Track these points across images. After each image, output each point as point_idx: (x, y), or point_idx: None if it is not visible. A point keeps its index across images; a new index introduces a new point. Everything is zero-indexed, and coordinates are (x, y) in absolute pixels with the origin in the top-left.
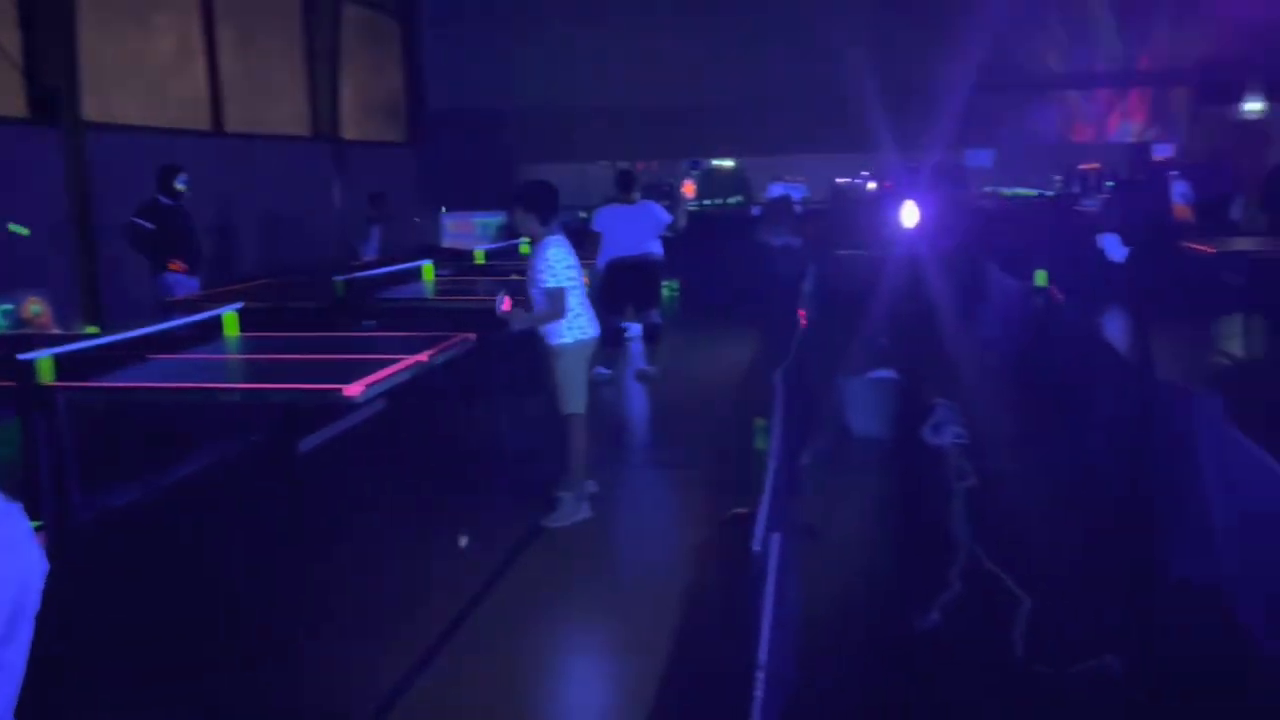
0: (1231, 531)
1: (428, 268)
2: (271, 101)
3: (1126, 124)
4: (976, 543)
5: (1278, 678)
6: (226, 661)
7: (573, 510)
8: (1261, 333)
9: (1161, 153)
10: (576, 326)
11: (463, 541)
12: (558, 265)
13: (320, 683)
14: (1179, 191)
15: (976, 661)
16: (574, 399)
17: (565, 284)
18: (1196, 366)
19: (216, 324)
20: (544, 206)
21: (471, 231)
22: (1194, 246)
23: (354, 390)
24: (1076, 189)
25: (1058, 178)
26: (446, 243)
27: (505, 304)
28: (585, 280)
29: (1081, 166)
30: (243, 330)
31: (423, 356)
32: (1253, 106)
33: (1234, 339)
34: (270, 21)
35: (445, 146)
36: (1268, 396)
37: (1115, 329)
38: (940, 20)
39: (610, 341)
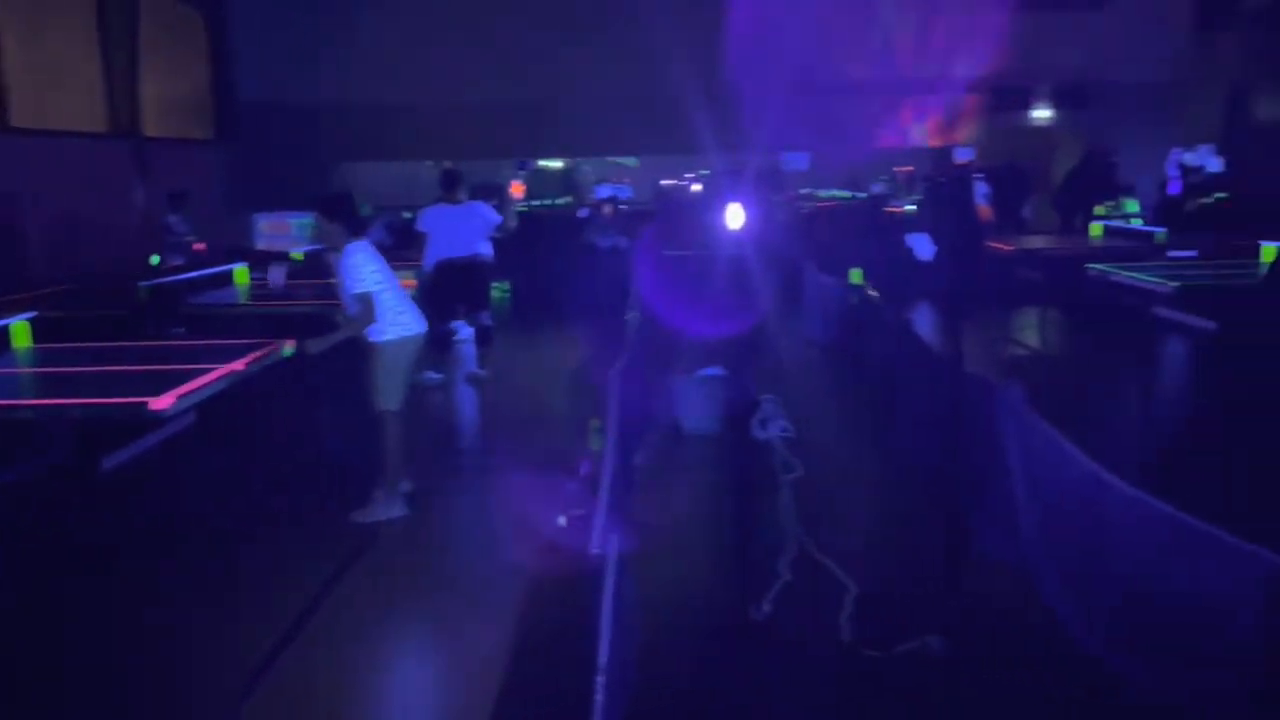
0: (1033, 513)
1: (241, 271)
2: (64, 95)
3: (930, 129)
4: (805, 533)
5: (1076, 651)
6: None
7: (385, 507)
8: (1055, 324)
9: (963, 156)
10: (398, 323)
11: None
12: (363, 270)
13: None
14: (980, 193)
15: (808, 648)
16: (389, 396)
17: (373, 288)
18: (999, 357)
19: (4, 335)
20: (346, 216)
21: (287, 232)
22: (994, 245)
23: (162, 403)
24: (882, 190)
25: (884, 178)
26: (260, 244)
27: (278, 277)
28: (411, 282)
29: (898, 169)
30: (35, 341)
31: (238, 365)
32: (1039, 114)
33: (1031, 330)
34: (61, 8)
35: (258, 144)
36: (1062, 383)
37: (925, 323)
38: (757, 25)
39: (440, 345)
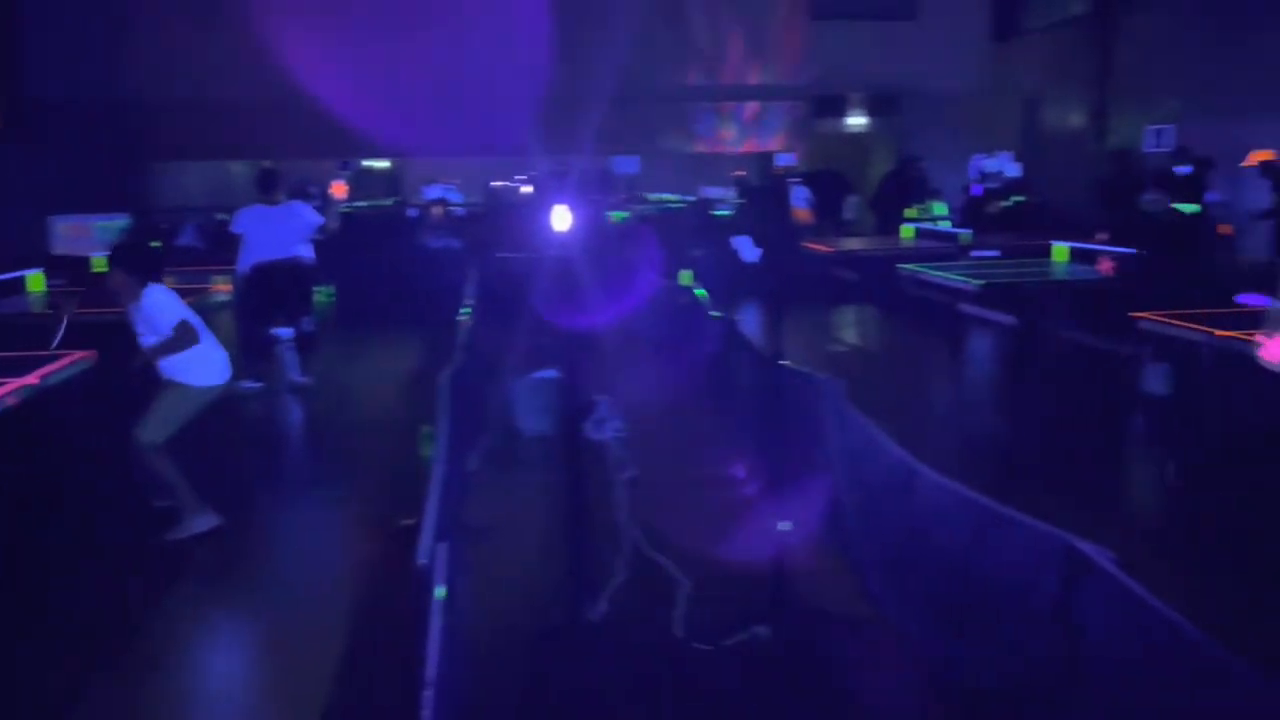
0: (853, 501)
1: (35, 278)
2: None
3: (757, 135)
4: (639, 531)
5: (896, 633)
6: None
7: (196, 520)
8: (872, 321)
9: (785, 161)
10: (205, 367)
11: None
12: (170, 302)
13: None
14: (800, 196)
15: (643, 644)
16: (156, 430)
17: (189, 316)
18: (820, 353)
19: None
20: (140, 265)
21: (89, 236)
22: (813, 246)
23: None
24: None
25: (736, 176)
26: (58, 249)
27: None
28: (225, 287)
29: (735, 174)
30: None
31: (31, 379)
32: (855, 121)
33: (850, 328)
34: None
35: (55, 142)
36: (878, 376)
37: (751, 322)
38: (583, 30)
39: (259, 352)
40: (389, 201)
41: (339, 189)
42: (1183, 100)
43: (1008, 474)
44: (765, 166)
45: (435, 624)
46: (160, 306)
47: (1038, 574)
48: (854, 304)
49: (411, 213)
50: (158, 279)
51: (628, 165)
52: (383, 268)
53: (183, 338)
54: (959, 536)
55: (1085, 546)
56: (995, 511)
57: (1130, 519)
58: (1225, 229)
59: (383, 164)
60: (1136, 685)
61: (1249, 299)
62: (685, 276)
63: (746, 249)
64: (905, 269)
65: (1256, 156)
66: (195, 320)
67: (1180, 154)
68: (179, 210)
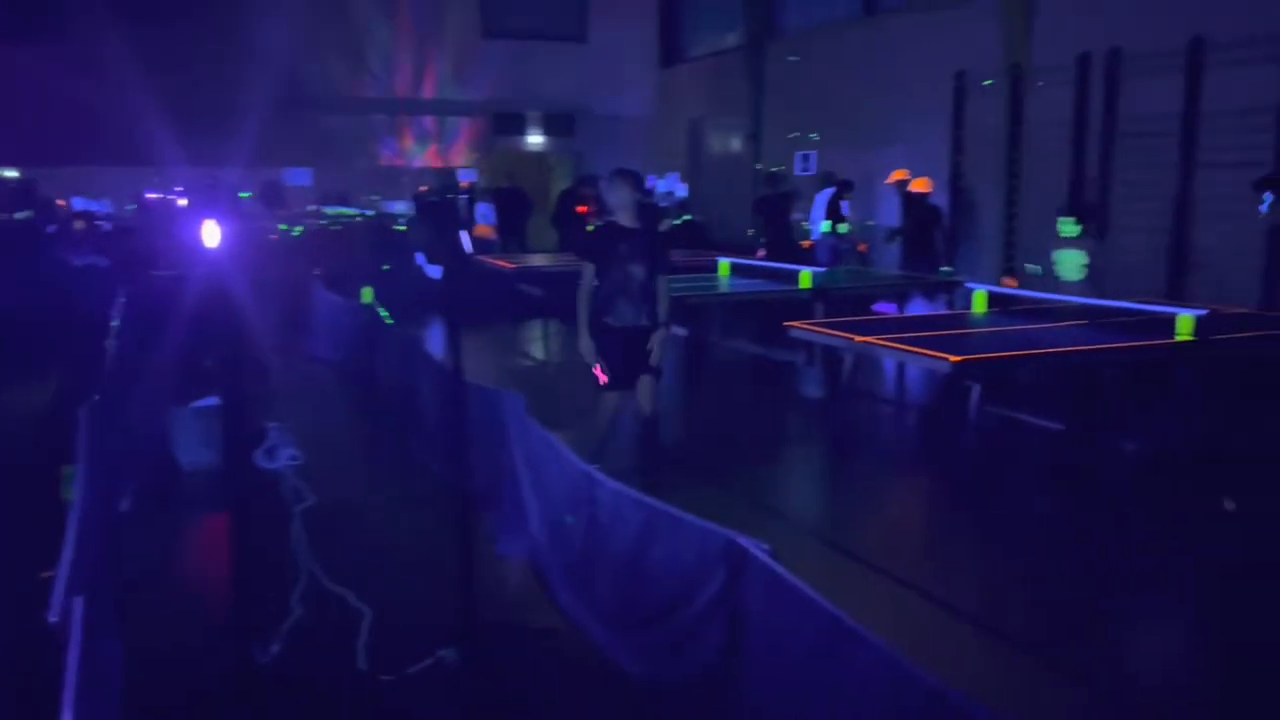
0: (538, 512)
1: None
2: None
3: (439, 150)
4: (317, 563)
5: (582, 639)
6: None
7: None
8: (557, 336)
9: (466, 177)
10: None
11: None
12: None
13: None
14: (481, 212)
15: (323, 681)
16: None
17: None
18: (506, 367)
19: None
20: None
21: None
22: (496, 262)
23: None
24: (400, 209)
25: (419, 191)
26: None
27: None
28: None
29: (419, 189)
30: None
31: None
32: (535, 139)
33: (535, 342)
34: None
35: None
36: (564, 389)
37: (434, 339)
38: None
39: None
40: (22, 215)
41: None
42: (823, 128)
43: (683, 475)
44: (448, 181)
45: (70, 686)
46: None
47: (705, 570)
48: (540, 319)
49: (50, 228)
50: None
51: (300, 177)
52: (13, 286)
53: None
54: (635, 540)
55: (744, 541)
56: (666, 513)
57: (791, 512)
58: (862, 247)
59: (10, 173)
60: (795, 670)
61: (883, 307)
62: (367, 294)
63: (430, 265)
64: None
65: (895, 176)
66: None
67: (825, 178)
68: None
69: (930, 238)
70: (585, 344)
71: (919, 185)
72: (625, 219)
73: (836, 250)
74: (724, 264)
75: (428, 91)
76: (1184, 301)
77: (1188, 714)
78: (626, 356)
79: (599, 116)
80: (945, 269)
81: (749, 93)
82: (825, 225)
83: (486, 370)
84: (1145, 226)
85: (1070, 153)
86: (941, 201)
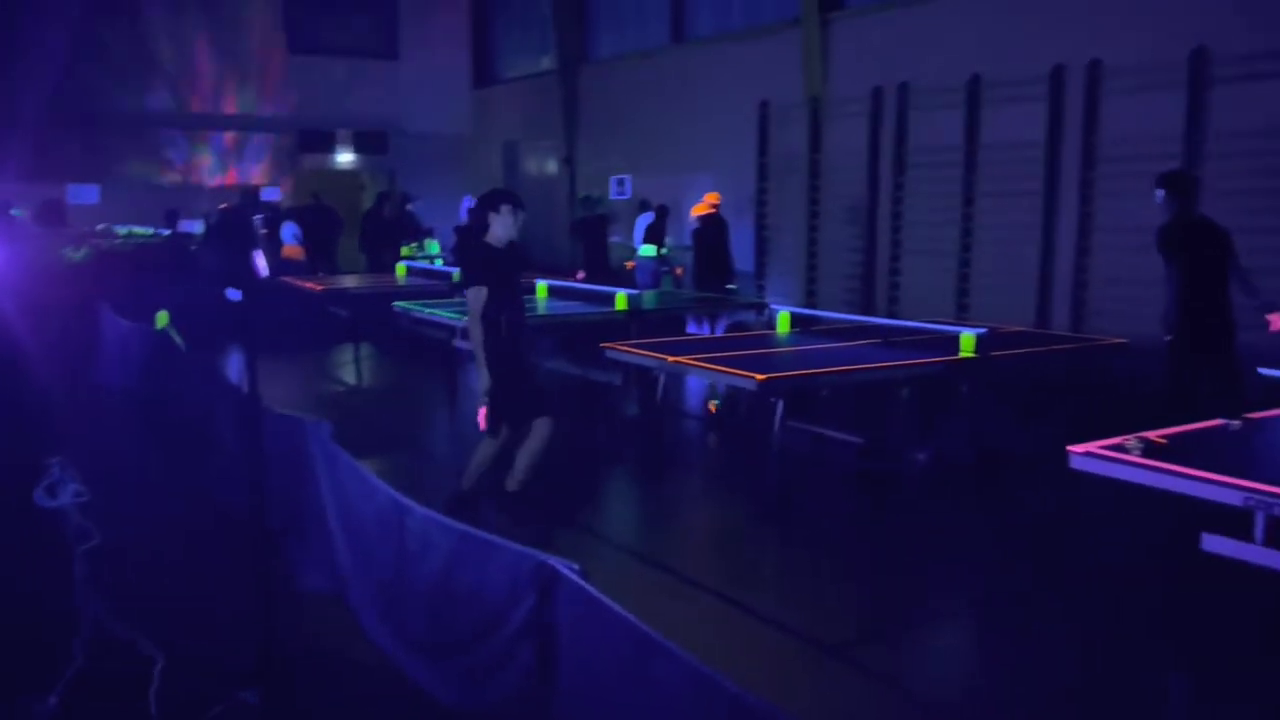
0: (348, 542)
1: None
2: None
3: (238, 167)
4: (103, 607)
5: (394, 674)
6: None
7: None
8: (369, 360)
9: (271, 196)
10: None
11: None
12: None
13: None
14: (290, 233)
15: None
16: None
17: None
18: (315, 393)
19: None
20: None
21: None
22: (304, 284)
23: None
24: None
25: (221, 209)
26: None
27: None
28: None
29: (221, 206)
30: None
31: None
32: (344, 157)
33: (346, 367)
34: None
35: None
36: (375, 414)
37: (232, 365)
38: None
39: None
40: None
41: None
42: (637, 154)
43: (499, 499)
44: (248, 200)
45: None
46: None
47: (516, 593)
48: (350, 343)
49: None
50: None
51: (85, 195)
52: None
53: None
54: (445, 566)
55: (554, 562)
56: (475, 537)
57: (605, 531)
58: (679, 270)
59: None
60: (606, 688)
61: (695, 329)
62: (162, 318)
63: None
64: (399, 306)
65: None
66: None
67: (643, 204)
68: None
69: (720, 256)
70: (486, 379)
71: (701, 209)
72: (500, 243)
73: (656, 273)
74: (541, 286)
75: (229, 107)
76: (969, 320)
77: (988, 707)
78: (531, 391)
79: (413, 135)
80: (730, 286)
81: (563, 117)
82: (648, 249)
83: (292, 397)
84: (933, 250)
85: (866, 180)
86: (748, 226)
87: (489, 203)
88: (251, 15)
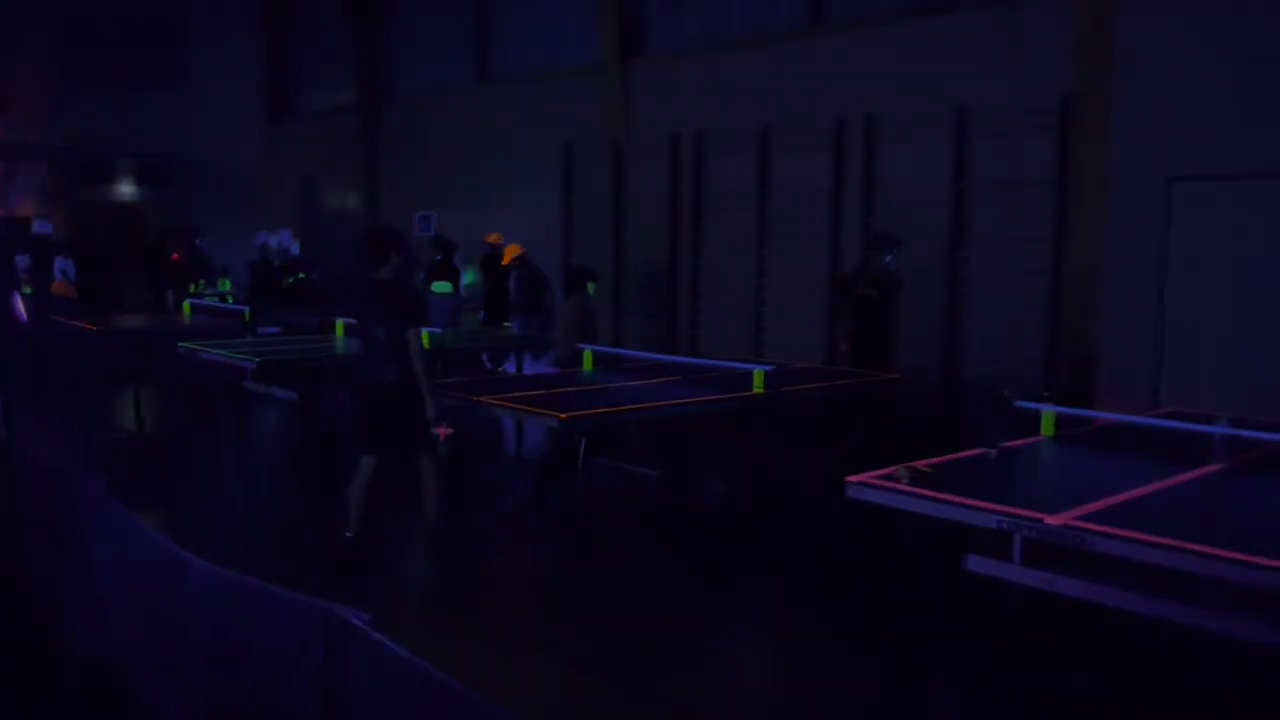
0: (125, 603)
1: None
2: None
3: (4, 199)
4: None
5: None
6: None
7: None
8: (151, 403)
9: (42, 229)
10: None
11: None
12: None
13: None
14: (59, 268)
15: None
16: None
17: None
18: (89, 444)
19: None
20: None
21: None
22: (77, 324)
23: None
24: None
25: None
26: None
27: None
28: None
29: None
30: None
31: None
32: (124, 190)
33: (125, 412)
34: None
35: None
36: (158, 462)
37: None
38: None
39: None
40: None
41: None
42: (441, 192)
43: (287, 549)
44: (16, 233)
45: None
46: None
47: (303, 645)
48: (130, 386)
49: None
50: None
51: None
52: None
53: None
54: (228, 621)
55: (343, 611)
56: (262, 590)
57: (402, 579)
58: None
59: None
60: None
61: (510, 366)
62: None
63: None
64: (185, 347)
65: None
66: None
67: (438, 241)
68: None
69: (501, 299)
70: (439, 408)
71: (497, 245)
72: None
73: (454, 310)
74: (340, 324)
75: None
76: (764, 358)
77: None
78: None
79: (202, 167)
80: (506, 324)
81: (365, 152)
82: (442, 285)
83: (63, 447)
84: (730, 290)
85: (667, 223)
86: (555, 267)
87: (397, 245)
88: (25, 37)
